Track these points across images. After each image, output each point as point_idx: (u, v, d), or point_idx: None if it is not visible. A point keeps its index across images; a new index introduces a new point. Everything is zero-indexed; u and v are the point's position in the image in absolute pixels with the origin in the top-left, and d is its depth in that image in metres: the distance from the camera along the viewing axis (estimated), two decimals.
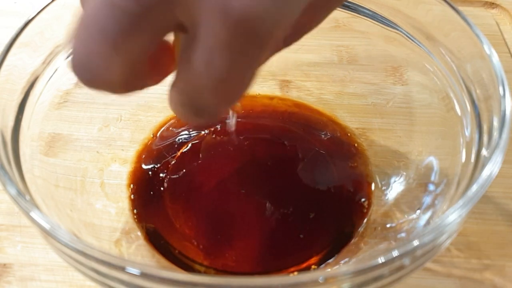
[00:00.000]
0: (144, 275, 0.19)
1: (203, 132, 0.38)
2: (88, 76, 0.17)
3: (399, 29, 0.34)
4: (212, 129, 0.38)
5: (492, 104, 0.26)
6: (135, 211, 0.33)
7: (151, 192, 0.34)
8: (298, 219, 0.33)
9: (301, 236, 0.32)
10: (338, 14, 0.36)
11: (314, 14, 0.23)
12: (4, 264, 0.31)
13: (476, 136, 0.27)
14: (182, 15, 0.16)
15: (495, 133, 0.24)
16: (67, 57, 0.33)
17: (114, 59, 0.16)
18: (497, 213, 0.34)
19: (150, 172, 0.35)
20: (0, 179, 0.22)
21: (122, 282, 0.20)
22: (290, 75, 0.41)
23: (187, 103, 0.18)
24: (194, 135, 0.38)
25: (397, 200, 0.33)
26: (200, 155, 0.37)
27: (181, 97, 0.18)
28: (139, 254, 0.31)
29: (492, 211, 0.34)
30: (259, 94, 0.41)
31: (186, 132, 0.38)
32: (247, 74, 0.17)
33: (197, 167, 0.36)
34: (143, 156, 0.36)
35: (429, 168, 0.32)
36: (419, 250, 0.20)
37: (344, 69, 0.40)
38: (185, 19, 0.16)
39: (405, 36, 0.34)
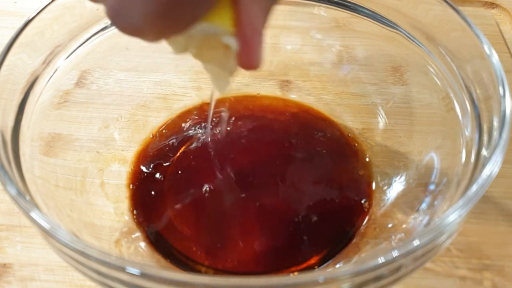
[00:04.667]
0: (144, 275, 0.19)
1: (203, 132, 0.38)
2: (122, 24, 0.18)
3: (399, 29, 0.34)
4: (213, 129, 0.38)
5: (492, 104, 0.26)
6: (135, 211, 0.33)
7: (151, 192, 0.34)
8: (299, 219, 0.33)
9: (302, 236, 0.32)
10: (338, 14, 0.36)
11: None
12: (4, 264, 0.31)
13: (476, 136, 0.27)
14: None
15: (495, 133, 0.24)
16: (68, 56, 0.33)
17: (147, 9, 0.17)
18: (497, 213, 0.34)
19: (150, 172, 0.35)
20: (0, 179, 0.22)
21: (122, 282, 0.20)
22: (290, 75, 0.41)
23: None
24: (194, 135, 0.38)
25: (397, 200, 0.33)
26: (200, 155, 0.37)
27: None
28: (139, 254, 0.31)
29: (492, 211, 0.34)
30: (259, 94, 0.41)
31: (186, 132, 0.38)
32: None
33: (197, 167, 0.36)
34: (143, 156, 0.36)
35: (429, 168, 0.32)
36: (419, 250, 0.20)
37: (344, 69, 0.40)
38: None
39: (405, 36, 0.34)
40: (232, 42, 0.20)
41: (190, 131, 0.38)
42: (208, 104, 0.40)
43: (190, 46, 0.22)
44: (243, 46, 0.20)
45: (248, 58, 0.20)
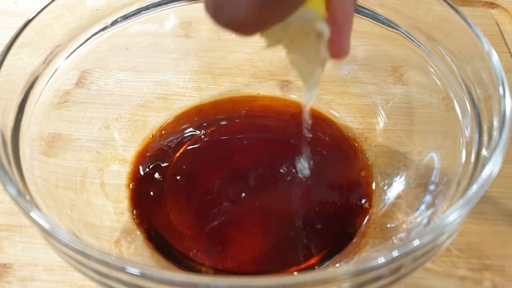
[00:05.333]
0: (144, 275, 0.19)
1: (203, 132, 0.38)
2: (223, 18, 0.18)
3: (399, 29, 0.34)
4: (213, 129, 0.38)
5: (492, 104, 0.26)
6: (135, 211, 0.33)
7: (151, 192, 0.34)
8: (298, 219, 0.33)
9: (302, 236, 0.32)
10: None
11: None
12: (4, 264, 0.31)
13: (476, 136, 0.27)
14: None
15: (495, 133, 0.24)
16: (68, 56, 0.33)
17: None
18: (497, 213, 0.34)
19: (149, 172, 0.35)
20: (0, 179, 0.22)
21: (122, 282, 0.20)
22: (290, 75, 0.41)
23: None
24: (194, 135, 0.38)
25: (397, 200, 0.33)
26: (200, 155, 0.37)
27: None
28: (139, 254, 0.31)
29: (492, 211, 0.34)
30: (259, 94, 0.41)
31: (185, 132, 0.38)
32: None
33: (197, 167, 0.36)
34: (143, 156, 0.36)
35: (429, 168, 0.32)
36: (419, 250, 0.20)
37: (344, 69, 0.40)
38: None
39: (405, 36, 0.34)
40: (325, 28, 0.20)
41: (190, 131, 0.38)
42: (208, 104, 0.40)
43: (283, 37, 0.22)
44: (335, 32, 0.20)
45: (340, 44, 0.20)
